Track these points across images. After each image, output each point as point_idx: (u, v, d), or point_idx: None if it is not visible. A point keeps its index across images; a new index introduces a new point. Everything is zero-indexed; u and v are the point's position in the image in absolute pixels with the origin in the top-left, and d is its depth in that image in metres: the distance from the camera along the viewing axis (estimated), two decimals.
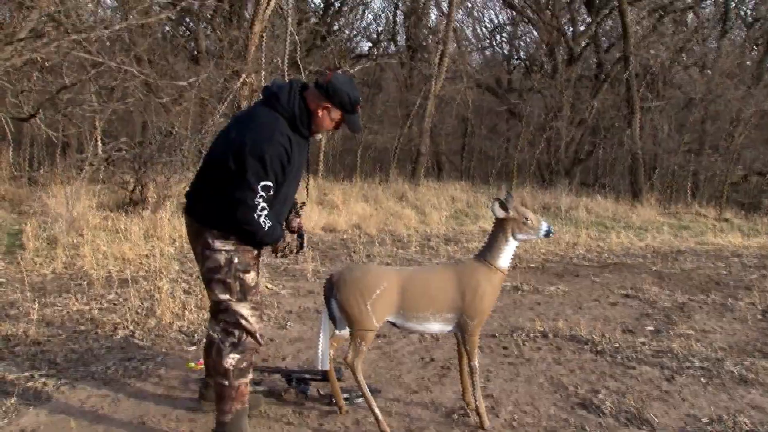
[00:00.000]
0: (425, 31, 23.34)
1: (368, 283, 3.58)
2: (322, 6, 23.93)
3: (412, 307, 3.62)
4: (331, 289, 3.64)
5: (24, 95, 11.33)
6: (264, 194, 3.20)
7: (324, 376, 4.05)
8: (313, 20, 21.48)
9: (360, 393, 3.80)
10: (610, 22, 23.98)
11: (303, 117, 3.35)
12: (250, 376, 3.48)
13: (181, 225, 8.34)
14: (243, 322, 3.40)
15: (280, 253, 3.49)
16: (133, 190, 11.07)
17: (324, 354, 3.69)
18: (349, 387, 4.16)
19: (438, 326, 3.70)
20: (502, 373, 4.80)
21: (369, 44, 26.23)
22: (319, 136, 3.55)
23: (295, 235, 3.60)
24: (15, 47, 9.65)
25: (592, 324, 6.08)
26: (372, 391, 3.63)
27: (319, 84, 3.37)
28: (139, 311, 5.80)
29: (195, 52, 16.97)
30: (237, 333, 3.41)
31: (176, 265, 7.50)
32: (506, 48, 28.95)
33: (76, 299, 6.16)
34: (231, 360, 3.38)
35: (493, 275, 3.70)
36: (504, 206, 3.72)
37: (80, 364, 4.65)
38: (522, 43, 28.52)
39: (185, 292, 6.35)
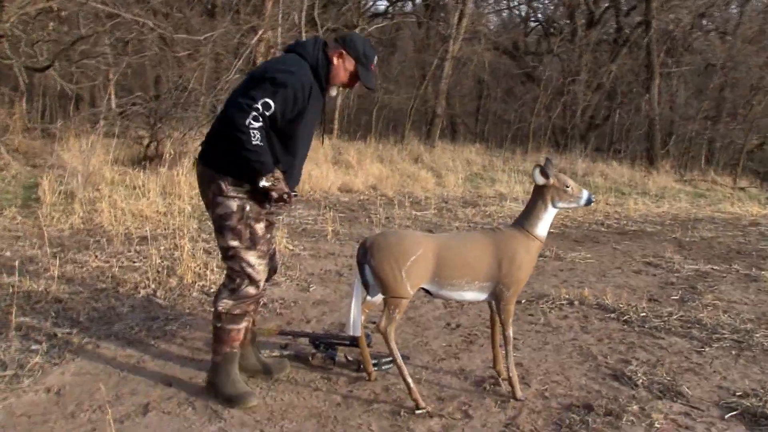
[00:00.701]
0: None
1: (403, 249, 3.47)
2: None
3: (447, 275, 3.52)
4: (365, 254, 3.54)
5: (38, 45, 11.17)
6: (261, 109, 3.18)
7: (353, 341, 3.99)
8: None
9: (390, 359, 3.74)
10: None
11: (323, 67, 3.50)
12: (243, 324, 3.53)
13: None
14: (249, 270, 3.44)
15: (264, 184, 3.29)
16: (148, 146, 10.95)
17: (356, 320, 3.61)
18: (377, 353, 4.10)
19: (472, 294, 3.60)
20: (529, 341, 4.72)
21: (386, 2, 25.88)
22: (333, 91, 3.68)
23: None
24: None
25: (618, 292, 6.00)
26: (401, 358, 3.55)
27: (337, 38, 3.63)
28: (160, 270, 5.73)
29: (211, 6, 16.68)
30: (238, 281, 3.45)
31: (195, 224, 7.43)
32: (524, 10, 28.40)
33: (96, 256, 6.10)
34: (223, 304, 3.45)
35: (530, 244, 3.59)
36: (545, 173, 3.60)
37: (103, 322, 4.60)
38: (540, 5, 27.93)
39: (206, 251, 6.28)
